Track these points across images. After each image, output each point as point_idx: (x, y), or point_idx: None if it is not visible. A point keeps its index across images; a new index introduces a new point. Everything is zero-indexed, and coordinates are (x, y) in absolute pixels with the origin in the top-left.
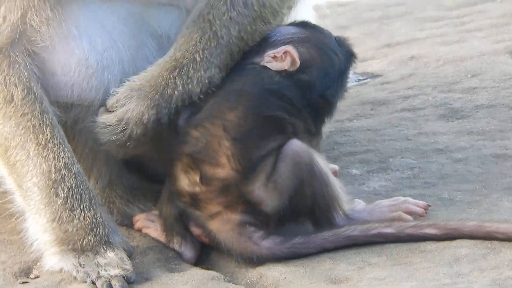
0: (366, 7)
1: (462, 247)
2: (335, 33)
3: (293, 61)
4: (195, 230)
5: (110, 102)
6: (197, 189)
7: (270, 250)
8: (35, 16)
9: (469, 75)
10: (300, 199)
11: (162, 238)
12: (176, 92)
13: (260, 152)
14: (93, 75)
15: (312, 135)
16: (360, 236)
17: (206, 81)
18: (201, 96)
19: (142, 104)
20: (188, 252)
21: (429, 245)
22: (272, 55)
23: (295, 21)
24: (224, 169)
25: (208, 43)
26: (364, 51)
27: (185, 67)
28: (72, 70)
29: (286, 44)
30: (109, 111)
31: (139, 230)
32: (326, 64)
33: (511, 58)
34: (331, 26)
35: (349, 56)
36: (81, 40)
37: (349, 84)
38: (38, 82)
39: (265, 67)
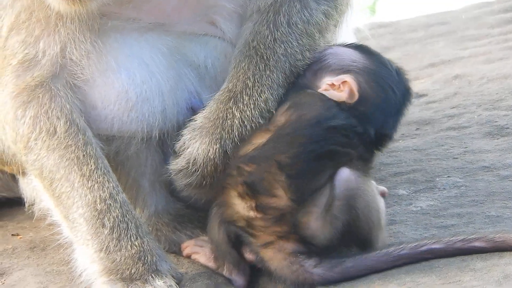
0: (408, 28)
1: (511, 264)
2: None
3: (351, 93)
4: (249, 256)
5: (177, 146)
6: (253, 214)
7: (322, 276)
8: (74, 50)
9: None
10: (354, 229)
11: (211, 264)
12: (236, 121)
13: (316, 184)
14: (133, 108)
15: (365, 161)
16: (410, 254)
17: (262, 104)
18: (257, 123)
19: (205, 141)
20: (239, 278)
21: (478, 263)
22: (330, 83)
23: (355, 43)
24: (280, 200)
25: (257, 68)
26: (408, 72)
27: (239, 95)
28: (112, 103)
29: (345, 72)
30: (178, 156)
31: (188, 257)
32: (384, 101)
33: None
34: (374, 47)
35: (406, 93)
36: (120, 73)
37: None
38: (80, 114)
39: (323, 94)
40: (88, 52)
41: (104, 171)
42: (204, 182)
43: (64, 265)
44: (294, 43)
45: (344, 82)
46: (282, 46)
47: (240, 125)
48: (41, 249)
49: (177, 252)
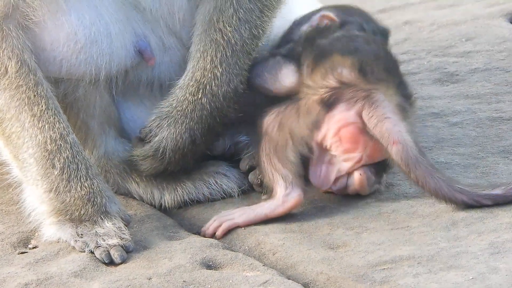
0: None
1: (460, 211)
2: None
3: (332, 21)
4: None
5: (143, 132)
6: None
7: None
8: None
9: (464, 39)
10: None
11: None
12: (205, 112)
13: None
14: (81, 50)
15: None
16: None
17: (232, 94)
18: (232, 107)
19: (174, 131)
20: (297, 189)
21: (427, 209)
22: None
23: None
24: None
25: (224, 55)
26: None
27: (208, 86)
28: (61, 45)
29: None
30: (143, 141)
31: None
32: (358, 23)
33: (505, 21)
34: None
35: None
36: (69, 14)
37: None
38: (32, 55)
39: None
40: None
41: (54, 111)
42: (169, 168)
43: (12, 205)
44: (257, 22)
45: (321, 17)
46: (247, 26)
47: (209, 116)
48: None
49: (126, 194)
